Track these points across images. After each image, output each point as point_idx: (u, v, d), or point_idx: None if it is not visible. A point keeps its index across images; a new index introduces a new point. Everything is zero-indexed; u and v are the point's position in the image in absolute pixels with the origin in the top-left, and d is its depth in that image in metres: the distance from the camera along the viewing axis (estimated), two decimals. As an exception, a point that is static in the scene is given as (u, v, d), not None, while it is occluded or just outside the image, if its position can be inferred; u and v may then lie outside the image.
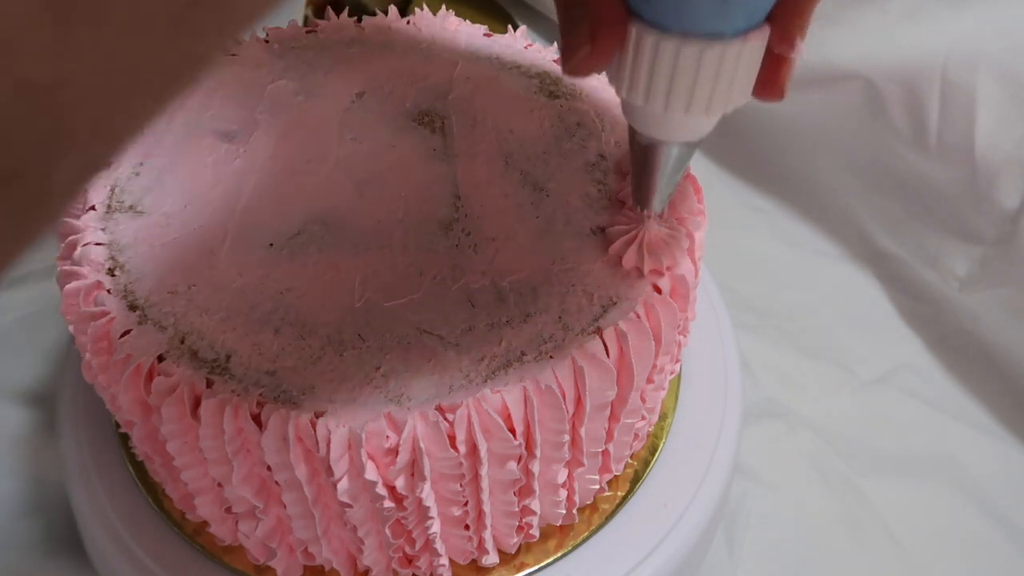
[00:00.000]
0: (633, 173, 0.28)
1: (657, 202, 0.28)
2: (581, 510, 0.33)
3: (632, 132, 0.26)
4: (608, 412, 0.29)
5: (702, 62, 0.22)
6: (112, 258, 0.30)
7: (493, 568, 0.32)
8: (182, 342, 0.27)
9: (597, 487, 0.33)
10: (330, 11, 0.40)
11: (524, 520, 0.31)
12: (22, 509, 0.44)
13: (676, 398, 0.38)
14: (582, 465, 0.30)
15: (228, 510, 0.30)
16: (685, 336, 0.33)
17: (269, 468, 0.27)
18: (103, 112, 0.11)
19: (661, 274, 0.29)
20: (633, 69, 0.23)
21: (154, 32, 0.11)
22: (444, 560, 0.30)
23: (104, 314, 0.28)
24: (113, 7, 0.10)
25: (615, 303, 0.28)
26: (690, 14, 0.22)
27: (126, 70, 0.11)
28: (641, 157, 0.27)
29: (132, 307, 0.28)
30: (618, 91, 0.24)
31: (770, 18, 0.23)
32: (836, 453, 0.49)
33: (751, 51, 0.22)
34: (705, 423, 0.37)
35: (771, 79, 0.24)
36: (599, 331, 0.27)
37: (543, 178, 0.32)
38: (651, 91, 0.23)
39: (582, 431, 0.28)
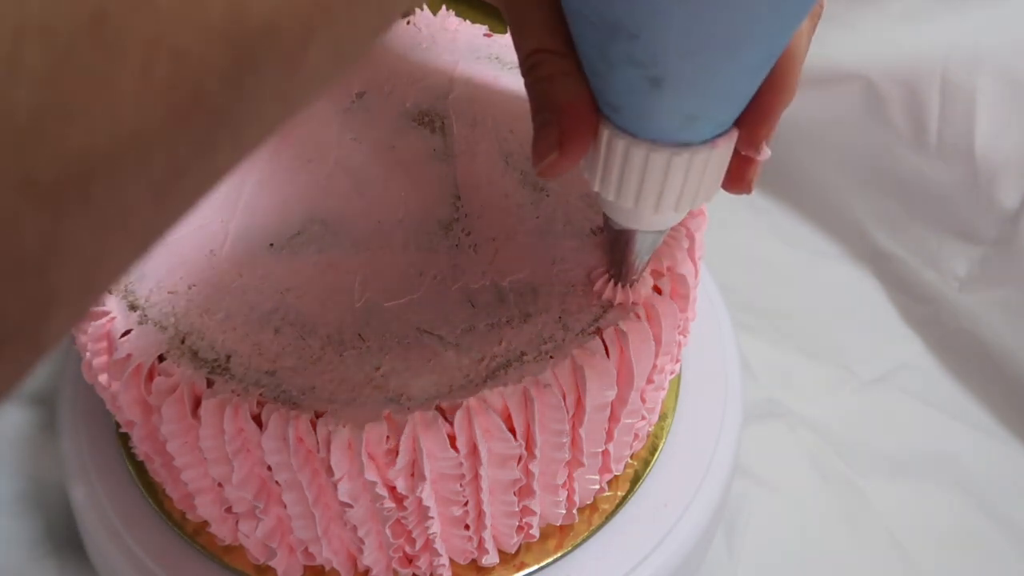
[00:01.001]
0: (608, 250, 0.28)
1: (631, 279, 0.28)
2: (581, 510, 0.33)
3: (606, 216, 0.27)
4: (608, 412, 0.29)
5: (671, 168, 0.22)
6: (112, 258, 0.30)
7: (493, 568, 0.32)
8: (182, 342, 0.27)
9: (597, 487, 0.33)
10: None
11: (524, 520, 0.31)
12: (22, 509, 0.44)
13: (676, 398, 0.38)
14: (582, 465, 0.30)
15: (228, 510, 0.30)
16: (685, 336, 0.33)
17: (269, 468, 0.27)
18: (91, 271, 0.11)
19: (661, 274, 0.29)
20: (605, 168, 0.23)
21: (137, 209, 0.11)
22: (444, 560, 0.30)
23: (104, 314, 0.28)
24: (97, 194, 0.10)
25: (615, 303, 0.28)
26: (658, 128, 0.22)
27: (113, 238, 0.11)
28: (614, 239, 0.27)
29: (132, 307, 0.28)
30: (591, 184, 0.24)
31: (738, 122, 0.23)
32: (836, 453, 0.49)
33: (719, 156, 0.23)
34: (705, 423, 0.37)
35: (739, 176, 0.25)
36: (599, 331, 0.27)
37: (543, 178, 0.32)
38: (622, 190, 0.23)
39: (582, 431, 0.28)
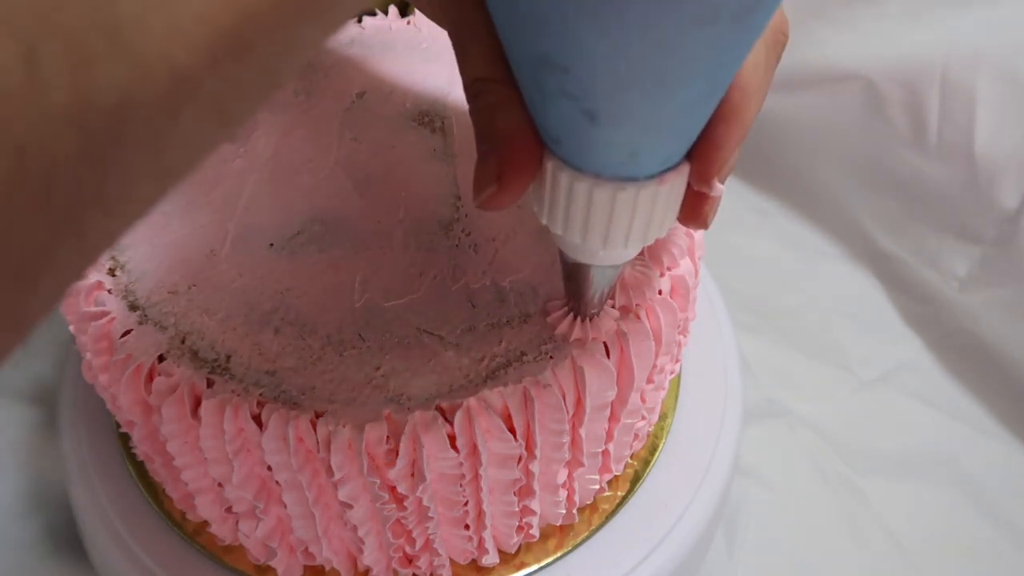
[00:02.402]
0: (564, 281, 0.27)
1: (590, 312, 0.27)
2: (581, 510, 0.33)
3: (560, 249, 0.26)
4: (608, 412, 0.29)
5: (616, 203, 0.21)
6: (113, 258, 0.30)
7: (493, 568, 0.32)
8: (182, 342, 0.27)
9: (597, 487, 0.33)
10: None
11: (524, 520, 0.31)
12: (22, 509, 0.44)
13: (676, 398, 0.38)
14: (582, 465, 0.30)
15: (228, 510, 0.30)
16: (685, 336, 0.33)
17: (269, 468, 0.27)
18: None
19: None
20: (551, 202, 0.22)
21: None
22: (444, 560, 0.30)
23: (104, 314, 0.28)
24: None
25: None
26: (600, 162, 0.21)
27: None
28: (569, 273, 0.26)
29: (133, 307, 0.28)
30: (538, 216, 0.24)
31: (690, 156, 0.22)
32: (836, 453, 0.49)
33: (667, 192, 0.22)
34: (705, 423, 0.37)
35: (694, 212, 0.23)
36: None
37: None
38: (568, 224, 0.23)
39: (582, 431, 0.28)
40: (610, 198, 0.21)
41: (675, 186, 0.22)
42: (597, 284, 0.26)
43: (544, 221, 0.23)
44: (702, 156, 0.22)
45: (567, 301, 0.27)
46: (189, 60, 0.11)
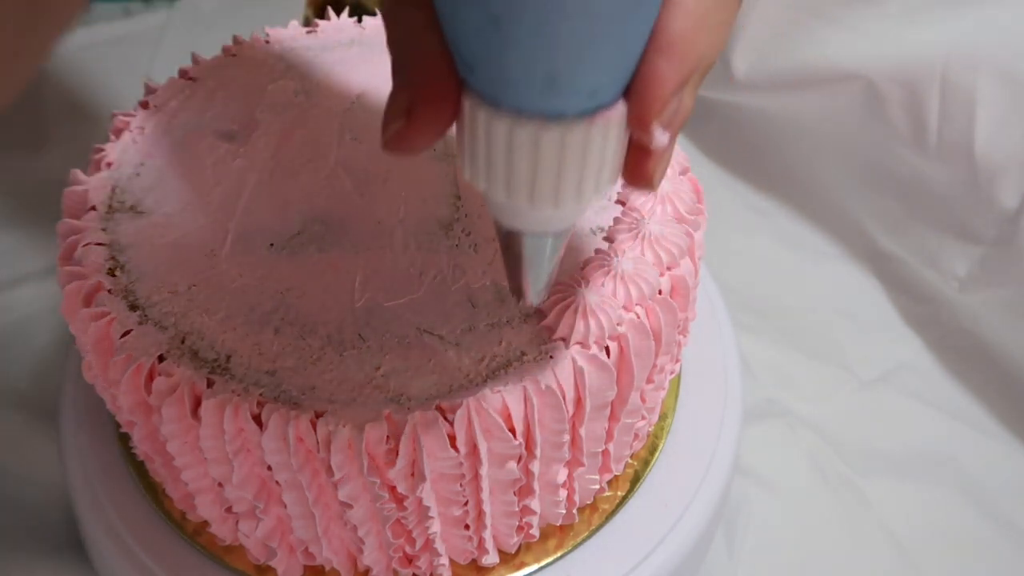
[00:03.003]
0: (504, 260, 0.24)
1: (532, 295, 0.24)
2: (581, 510, 0.33)
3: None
4: (608, 412, 0.29)
5: (540, 146, 0.19)
6: (113, 258, 0.30)
7: (493, 568, 0.32)
8: (182, 342, 0.27)
9: (597, 487, 0.33)
10: (330, 11, 0.40)
11: (524, 520, 0.31)
12: (22, 509, 0.44)
13: (676, 398, 0.38)
14: (582, 465, 0.30)
15: (228, 510, 0.30)
16: (685, 336, 0.33)
17: (269, 468, 0.27)
18: None
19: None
20: (471, 147, 0.20)
21: None
22: (444, 560, 0.30)
23: (104, 314, 0.28)
24: None
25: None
26: (517, 89, 0.18)
27: None
28: (504, 244, 0.23)
29: (132, 307, 0.28)
30: (462, 171, 0.21)
31: (627, 94, 0.19)
32: (836, 453, 0.49)
33: (600, 134, 0.19)
34: (705, 423, 0.37)
35: (636, 168, 0.20)
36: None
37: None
38: (490, 176, 0.20)
39: (582, 431, 0.28)
40: (532, 139, 0.19)
41: (609, 128, 0.19)
42: (533, 259, 0.23)
43: (467, 176, 0.21)
44: (637, 93, 0.19)
45: (508, 283, 0.25)
46: None
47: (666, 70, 0.18)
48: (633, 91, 0.19)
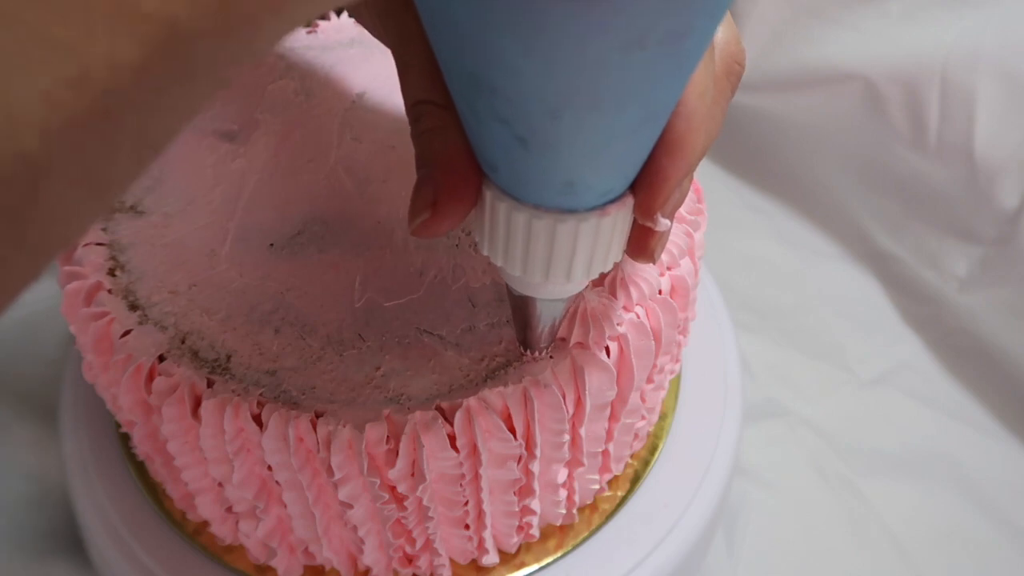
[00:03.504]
0: (512, 314, 0.26)
1: (540, 346, 0.26)
2: (581, 510, 0.33)
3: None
4: (608, 412, 0.29)
5: (556, 236, 0.20)
6: (113, 258, 0.30)
7: (493, 568, 0.32)
8: (183, 342, 0.27)
9: (597, 487, 0.33)
10: (330, 11, 0.40)
11: (524, 520, 0.31)
12: (22, 509, 0.44)
13: (676, 398, 0.38)
14: (582, 465, 0.30)
15: (229, 510, 0.30)
16: (685, 336, 0.33)
17: (269, 468, 0.27)
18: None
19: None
20: (491, 232, 0.22)
21: None
22: (444, 560, 0.30)
23: (105, 314, 0.28)
24: None
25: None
26: (538, 192, 0.20)
27: None
28: (515, 304, 0.25)
29: (133, 307, 0.28)
30: (480, 247, 0.23)
31: (633, 189, 0.21)
32: (836, 453, 0.49)
33: (610, 224, 0.21)
34: (705, 423, 0.37)
35: (640, 245, 0.22)
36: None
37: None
38: (508, 256, 0.22)
39: (582, 431, 0.28)
40: (549, 230, 0.20)
41: (618, 219, 0.21)
42: (544, 318, 0.25)
43: (485, 252, 0.23)
44: (645, 189, 0.21)
45: (516, 334, 0.27)
46: (39, 147, 0.11)
47: (671, 168, 0.20)
48: (640, 186, 0.21)
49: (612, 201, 0.21)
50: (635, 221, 0.22)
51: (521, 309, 0.25)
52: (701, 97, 0.20)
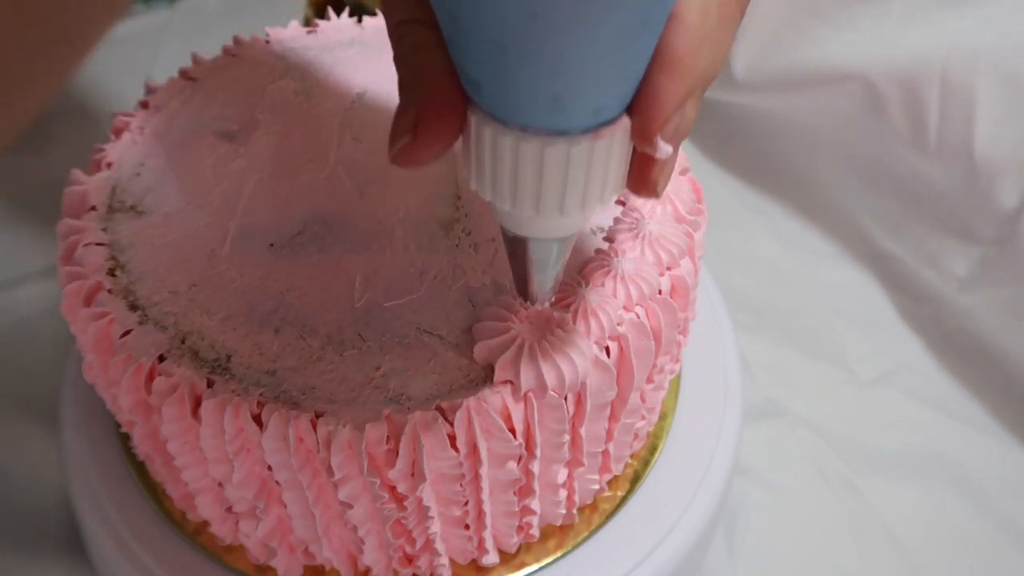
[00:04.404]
0: (510, 264, 0.25)
1: (540, 297, 0.25)
2: (581, 510, 0.33)
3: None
4: (608, 412, 0.29)
5: (545, 160, 0.19)
6: (113, 258, 0.30)
7: (493, 568, 0.32)
8: (183, 342, 0.27)
9: (597, 487, 0.33)
10: (330, 11, 0.40)
11: (524, 520, 0.31)
12: (22, 509, 0.44)
13: (676, 398, 0.38)
14: (582, 465, 0.30)
15: (229, 510, 0.30)
16: (685, 336, 0.33)
17: (269, 468, 0.27)
18: None
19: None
20: (477, 160, 0.20)
21: None
22: (444, 560, 0.30)
23: (104, 314, 0.28)
24: None
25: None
26: (523, 109, 0.19)
27: None
28: (510, 248, 0.24)
29: (133, 307, 0.28)
30: (468, 181, 0.21)
31: (630, 110, 0.20)
32: (836, 453, 0.49)
33: (605, 149, 0.19)
34: (705, 423, 0.37)
35: (640, 176, 0.21)
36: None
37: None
38: (496, 187, 0.20)
39: (582, 431, 0.28)
40: (537, 154, 0.19)
41: (614, 144, 0.19)
42: (539, 262, 0.23)
43: (473, 185, 0.21)
44: (641, 109, 0.19)
45: (516, 286, 0.25)
46: None
47: (669, 87, 0.19)
48: (636, 107, 0.19)
49: (606, 124, 0.19)
50: (636, 151, 0.21)
51: (517, 253, 0.24)
52: (703, 13, 0.19)
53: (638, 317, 0.28)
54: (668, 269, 0.29)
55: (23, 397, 0.49)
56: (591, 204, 0.21)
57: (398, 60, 0.21)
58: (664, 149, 0.20)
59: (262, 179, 0.33)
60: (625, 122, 0.20)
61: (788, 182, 0.64)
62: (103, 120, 0.60)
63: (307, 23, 0.41)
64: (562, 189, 0.20)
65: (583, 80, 0.18)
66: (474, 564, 0.32)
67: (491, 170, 0.20)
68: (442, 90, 0.20)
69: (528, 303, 0.25)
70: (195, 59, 0.38)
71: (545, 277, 0.24)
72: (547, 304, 0.26)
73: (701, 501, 0.35)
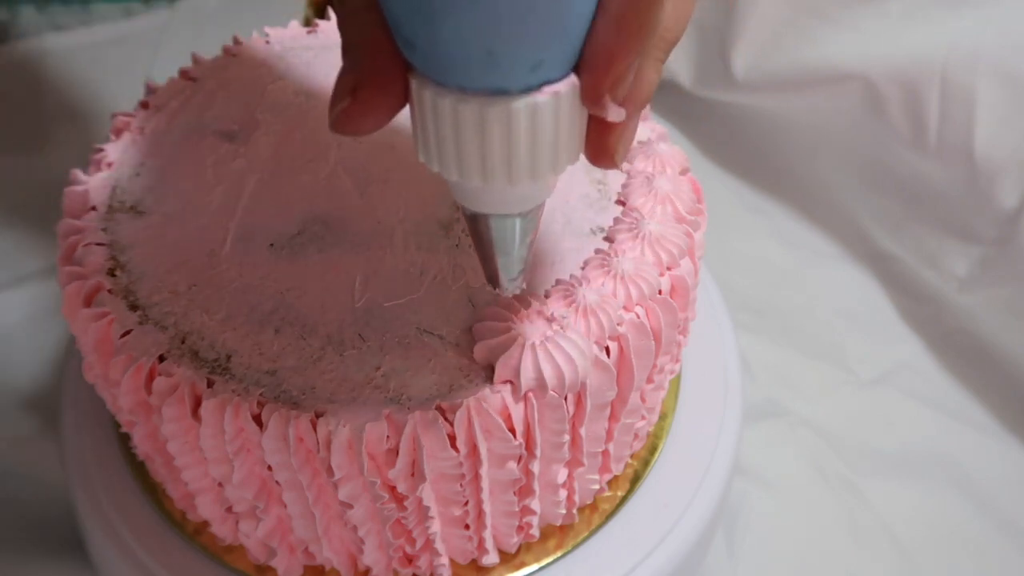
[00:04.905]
0: (475, 247, 0.24)
1: (505, 281, 0.24)
2: (581, 510, 0.33)
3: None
4: (608, 412, 0.29)
5: (486, 122, 0.18)
6: (113, 258, 0.30)
7: (493, 568, 0.32)
8: (183, 342, 0.27)
9: (597, 487, 0.33)
10: (330, 11, 0.40)
11: (524, 520, 0.31)
12: (22, 509, 0.44)
13: (676, 398, 0.38)
14: (582, 465, 0.30)
15: (229, 510, 0.30)
16: (685, 336, 0.33)
17: (269, 468, 0.27)
18: None
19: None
20: (421, 127, 0.20)
21: None
22: (444, 560, 0.30)
23: (105, 314, 0.28)
24: None
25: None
26: (458, 66, 0.18)
27: None
28: (472, 228, 0.23)
29: (133, 307, 0.28)
30: (418, 154, 0.21)
31: (577, 69, 0.18)
32: (836, 453, 0.49)
33: (550, 109, 0.18)
34: (705, 423, 0.37)
35: (597, 143, 0.20)
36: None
37: (543, 178, 0.32)
38: (441, 156, 0.19)
39: (582, 431, 0.28)
40: (477, 115, 0.18)
41: (560, 103, 0.18)
42: (500, 241, 0.22)
43: (421, 158, 0.20)
44: (588, 68, 0.18)
45: (484, 272, 0.24)
46: None
47: (614, 42, 0.18)
48: (582, 64, 0.18)
49: (550, 82, 0.18)
50: (592, 116, 0.19)
51: (478, 232, 0.22)
52: None
53: (638, 317, 0.28)
54: (668, 269, 0.29)
55: (23, 397, 0.49)
56: (542, 172, 0.20)
57: (339, 24, 0.20)
58: (615, 112, 0.19)
59: (262, 179, 0.33)
60: (571, 82, 0.19)
61: (788, 182, 0.64)
62: (103, 120, 0.60)
63: (307, 23, 0.41)
64: (507, 154, 0.19)
65: (515, 30, 0.17)
66: (474, 564, 0.32)
67: (435, 137, 0.19)
68: (378, 52, 0.19)
69: (496, 289, 0.24)
70: (195, 59, 0.38)
71: (510, 260, 0.23)
72: (517, 291, 0.25)
73: (701, 501, 0.35)
